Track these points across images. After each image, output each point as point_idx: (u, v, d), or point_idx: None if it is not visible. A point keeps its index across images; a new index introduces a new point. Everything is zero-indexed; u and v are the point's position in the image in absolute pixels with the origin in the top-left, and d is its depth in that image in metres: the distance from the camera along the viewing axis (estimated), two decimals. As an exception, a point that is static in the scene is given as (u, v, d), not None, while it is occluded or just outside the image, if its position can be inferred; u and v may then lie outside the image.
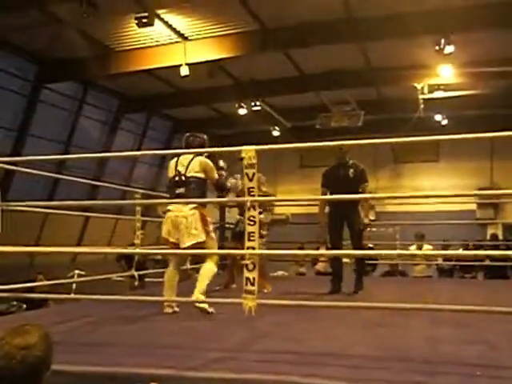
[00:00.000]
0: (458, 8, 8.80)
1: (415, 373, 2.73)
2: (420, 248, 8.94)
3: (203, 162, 4.45)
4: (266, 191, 5.80)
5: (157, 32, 9.92)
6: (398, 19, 8.91)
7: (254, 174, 3.27)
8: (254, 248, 3.18)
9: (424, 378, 2.62)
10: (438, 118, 14.45)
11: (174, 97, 13.76)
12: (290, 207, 16.69)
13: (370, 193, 5.46)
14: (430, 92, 12.31)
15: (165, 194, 8.86)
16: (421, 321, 4.04)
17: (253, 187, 3.23)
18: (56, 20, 9.26)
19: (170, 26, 9.78)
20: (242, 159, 5.21)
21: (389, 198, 15.26)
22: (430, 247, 9.17)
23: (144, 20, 8.53)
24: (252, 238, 3.18)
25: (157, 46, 10.61)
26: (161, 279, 8.97)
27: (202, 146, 4.61)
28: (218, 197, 5.46)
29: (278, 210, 18.34)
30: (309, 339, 3.50)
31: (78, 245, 13.50)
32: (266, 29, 10.00)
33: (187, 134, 4.76)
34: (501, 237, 13.56)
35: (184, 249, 4.21)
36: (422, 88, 12.22)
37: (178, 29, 9.96)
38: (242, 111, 13.45)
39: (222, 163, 4.87)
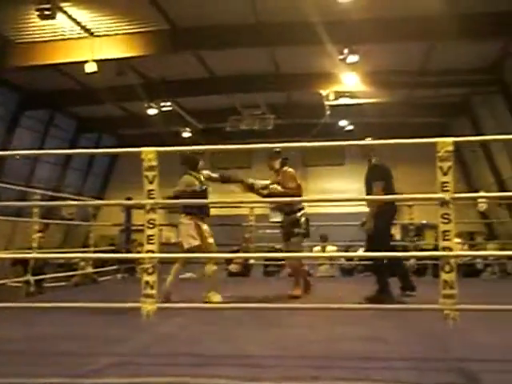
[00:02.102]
0: (361, 21, 9.24)
1: (310, 368, 2.83)
2: (324, 249, 9.30)
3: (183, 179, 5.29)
4: (291, 187, 5.58)
5: (61, 25, 9.51)
6: (304, 27, 9.18)
7: (154, 177, 3.21)
8: (153, 251, 3.14)
9: (318, 373, 2.72)
10: (342, 123, 15.12)
11: (80, 94, 13.26)
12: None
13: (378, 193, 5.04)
14: (336, 99, 12.85)
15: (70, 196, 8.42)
16: (322, 320, 4.18)
17: (153, 190, 3.18)
18: None
19: (74, 20, 9.41)
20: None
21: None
22: (334, 248, 9.56)
23: (46, 12, 8.13)
24: (151, 241, 3.13)
25: (62, 40, 10.16)
26: (63, 283, 8.62)
27: (188, 161, 5.34)
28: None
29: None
30: (209, 341, 3.52)
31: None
32: (176, 29, 9.93)
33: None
34: (399, 237, 14.43)
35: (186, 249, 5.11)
36: (328, 95, 12.72)
37: (83, 24, 9.61)
38: (152, 111, 13.23)
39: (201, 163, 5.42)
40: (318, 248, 9.38)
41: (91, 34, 9.94)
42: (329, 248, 9.37)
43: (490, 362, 2.90)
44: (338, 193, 16.42)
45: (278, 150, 5.69)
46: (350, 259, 9.61)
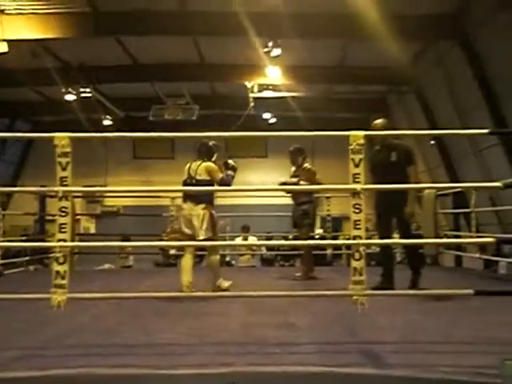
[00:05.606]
0: (287, 15, 9.36)
1: (224, 355, 2.88)
2: (246, 239, 9.42)
3: (208, 167, 5.17)
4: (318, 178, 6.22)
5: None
6: (230, 18, 9.19)
7: (67, 163, 3.11)
8: (65, 240, 3.05)
9: (232, 359, 2.78)
10: (266, 116, 15.33)
11: (-9, 75, 12.45)
12: (123, 199, 16.37)
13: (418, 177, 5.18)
14: (260, 91, 12.99)
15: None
16: (239, 308, 4.25)
17: (65, 176, 3.08)
18: None
19: (-17, -4, 8.84)
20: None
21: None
22: (255, 238, 9.71)
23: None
24: (63, 230, 3.04)
25: (-33, 16, 9.49)
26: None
27: (211, 151, 5.29)
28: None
29: (108, 201, 17.86)
30: (124, 331, 3.48)
31: None
32: (98, 12, 9.60)
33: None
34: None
35: (200, 241, 4.93)
36: (252, 87, 12.84)
37: (-7, 0, 9.04)
38: (70, 97, 12.73)
39: (232, 162, 5.35)
40: (239, 238, 9.49)
41: (1, 11, 9.36)
42: (250, 238, 9.51)
43: (391, 344, 3.09)
44: (261, 185, 16.60)
45: (298, 146, 6.32)
46: (271, 249, 9.84)
